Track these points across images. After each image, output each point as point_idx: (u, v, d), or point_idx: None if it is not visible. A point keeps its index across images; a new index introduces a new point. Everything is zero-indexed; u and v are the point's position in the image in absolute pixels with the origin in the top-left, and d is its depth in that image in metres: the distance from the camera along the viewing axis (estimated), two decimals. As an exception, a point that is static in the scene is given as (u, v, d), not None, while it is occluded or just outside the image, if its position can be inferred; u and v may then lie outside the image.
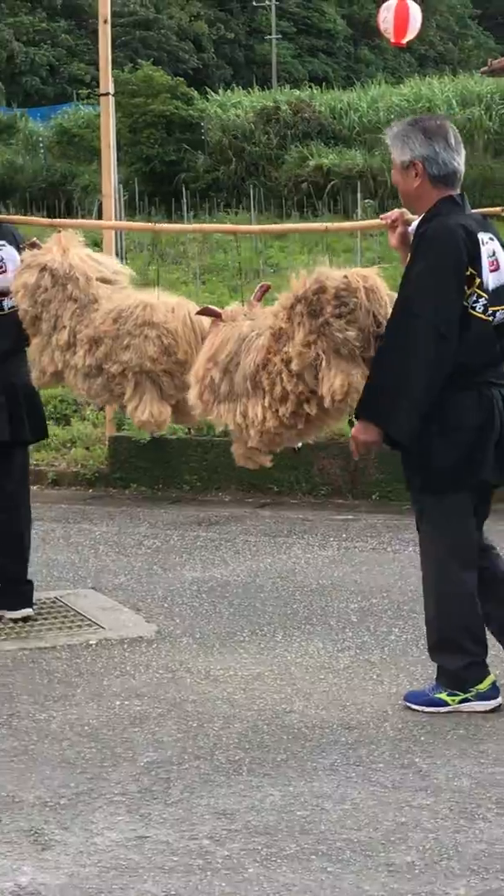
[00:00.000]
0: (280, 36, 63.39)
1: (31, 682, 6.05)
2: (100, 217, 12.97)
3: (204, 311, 6.13)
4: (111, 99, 10.43)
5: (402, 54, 66.38)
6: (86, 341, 6.36)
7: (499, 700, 5.56)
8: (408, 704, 5.62)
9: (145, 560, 8.18)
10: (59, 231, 6.69)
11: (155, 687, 5.96)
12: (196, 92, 39.65)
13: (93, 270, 6.50)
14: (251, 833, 4.49)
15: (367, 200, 24.89)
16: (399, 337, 5.39)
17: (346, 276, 5.61)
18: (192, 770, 5.03)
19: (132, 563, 8.12)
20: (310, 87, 43.49)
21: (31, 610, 6.96)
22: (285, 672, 6.09)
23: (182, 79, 40.47)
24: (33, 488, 10.19)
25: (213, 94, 41.32)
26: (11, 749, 5.26)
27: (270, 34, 62.02)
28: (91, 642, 6.61)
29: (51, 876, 4.21)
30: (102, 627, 6.85)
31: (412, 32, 20.09)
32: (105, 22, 10.24)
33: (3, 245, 6.75)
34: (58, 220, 7.70)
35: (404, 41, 20.33)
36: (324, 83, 48.05)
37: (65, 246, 6.51)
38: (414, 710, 5.57)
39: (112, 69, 10.58)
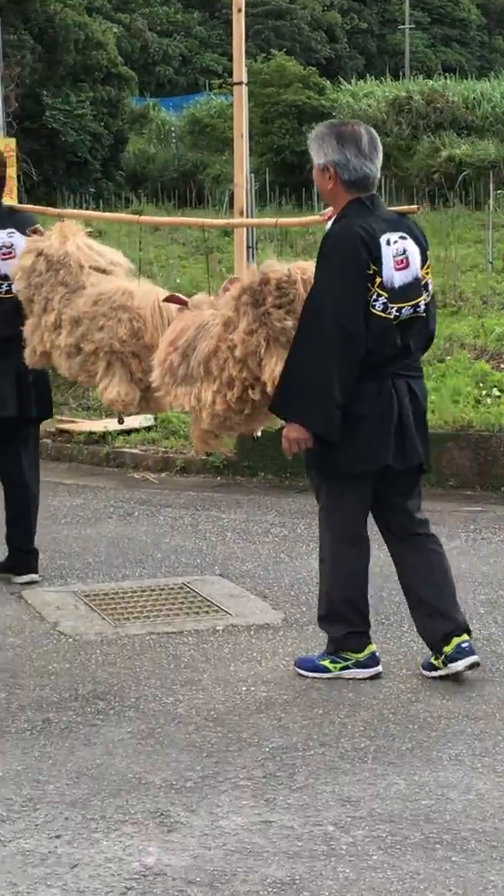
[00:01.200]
0: (413, 26, 63.03)
1: (158, 666, 6.11)
2: (231, 207, 13.01)
3: (170, 299, 6.36)
4: (244, 88, 10.44)
5: (537, 44, 65.72)
6: (68, 322, 6.65)
7: (378, 668, 5.89)
8: (297, 670, 5.93)
9: (272, 548, 8.21)
10: (63, 219, 7.07)
11: (281, 673, 5.99)
12: (328, 82, 39.62)
13: (87, 259, 6.80)
14: (376, 821, 4.51)
15: (499, 191, 24.68)
16: (307, 334, 5.61)
17: (288, 269, 5.84)
18: (317, 757, 5.05)
19: (259, 550, 8.16)
20: (443, 77, 43.16)
21: (35, 575, 7.40)
22: (411, 661, 6.09)
23: (314, 69, 40.44)
24: (162, 475, 10.38)
25: (345, 83, 41.25)
26: (139, 732, 5.32)
27: (404, 24, 61.67)
28: (218, 628, 6.66)
29: (176, 857, 4.26)
30: (229, 614, 6.89)
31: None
32: (239, 11, 10.25)
33: (13, 233, 7.11)
34: (65, 211, 8.13)
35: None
36: (457, 73, 47.69)
37: (65, 234, 6.83)
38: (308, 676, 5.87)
39: (245, 59, 10.60)
